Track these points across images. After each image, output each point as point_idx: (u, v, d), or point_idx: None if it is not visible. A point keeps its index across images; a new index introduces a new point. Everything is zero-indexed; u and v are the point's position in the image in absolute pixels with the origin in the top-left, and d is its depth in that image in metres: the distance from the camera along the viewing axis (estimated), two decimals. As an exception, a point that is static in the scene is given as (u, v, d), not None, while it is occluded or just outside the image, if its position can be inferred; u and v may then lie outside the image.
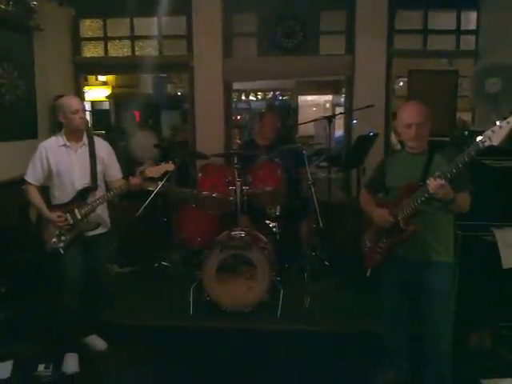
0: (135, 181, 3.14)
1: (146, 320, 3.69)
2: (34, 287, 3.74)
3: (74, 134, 3.14)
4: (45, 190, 3.23)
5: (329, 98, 9.98)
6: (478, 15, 5.21)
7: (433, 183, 2.38)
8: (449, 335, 2.66)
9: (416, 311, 2.74)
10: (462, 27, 5.28)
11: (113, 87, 9.07)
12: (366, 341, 3.27)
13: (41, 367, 3.02)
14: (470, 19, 5.30)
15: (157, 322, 3.66)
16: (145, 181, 3.17)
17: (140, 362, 3.26)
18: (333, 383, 3.01)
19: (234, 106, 6.33)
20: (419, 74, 5.28)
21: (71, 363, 3.12)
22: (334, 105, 9.72)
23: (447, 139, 4.13)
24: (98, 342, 3.37)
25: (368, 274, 2.83)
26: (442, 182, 2.35)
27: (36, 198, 3.14)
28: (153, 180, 3.23)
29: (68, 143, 3.14)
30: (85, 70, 5.70)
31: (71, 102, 3.11)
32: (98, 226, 3.18)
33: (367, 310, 3.52)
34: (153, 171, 3.15)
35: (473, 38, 5.26)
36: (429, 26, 5.29)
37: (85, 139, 3.18)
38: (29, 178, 3.14)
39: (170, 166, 3.19)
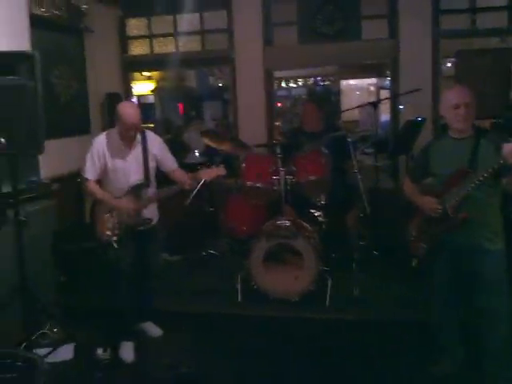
0: (189, 184, 3.22)
1: (195, 307, 3.81)
2: (92, 276, 3.93)
3: (127, 138, 3.20)
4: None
5: (373, 81, 9.75)
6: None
7: (508, 148, 2.23)
8: (507, 321, 2.58)
9: (471, 298, 2.69)
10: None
11: (157, 81, 9.31)
12: (417, 330, 3.25)
13: (99, 351, 3.17)
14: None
15: (205, 309, 3.78)
16: (197, 179, 3.23)
17: (189, 348, 3.36)
18: (383, 372, 3.00)
19: (274, 93, 6.33)
20: (467, 54, 5.10)
21: (127, 351, 3.24)
22: (379, 88, 9.49)
23: (498, 121, 3.99)
24: (153, 329, 3.51)
25: (413, 264, 2.80)
26: None
27: (98, 190, 3.21)
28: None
29: (122, 142, 3.21)
30: (132, 67, 5.89)
31: (129, 117, 3.08)
32: (150, 221, 3.27)
33: (418, 299, 3.49)
34: (205, 174, 3.22)
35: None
36: (477, 4, 5.07)
37: (138, 137, 3.22)
38: (87, 174, 3.20)
39: (221, 171, 3.26)
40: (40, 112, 2.98)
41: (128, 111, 3.11)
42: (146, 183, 3.23)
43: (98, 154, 3.18)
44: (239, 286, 3.86)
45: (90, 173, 3.20)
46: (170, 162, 3.38)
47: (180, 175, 3.34)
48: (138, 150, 3.22)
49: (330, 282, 3.76)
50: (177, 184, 3.28)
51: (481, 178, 2.39)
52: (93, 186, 3.23)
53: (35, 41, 3.97)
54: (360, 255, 4.18)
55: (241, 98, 5.44)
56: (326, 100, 9.04)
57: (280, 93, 9.82)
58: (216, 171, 3.26)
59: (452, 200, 2.54)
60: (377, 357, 3.13)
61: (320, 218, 4.27)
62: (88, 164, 3.21)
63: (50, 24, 4.35)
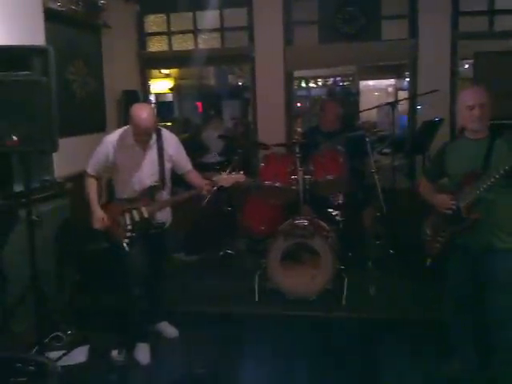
0: (207, 189, 3.15)
1: (212, 307, 3.79)
2: (106, 277, 3.87)
3: (141, 140, 3.10)
4: (110, 182, 3.31)
5: (391, 82, 9.75)
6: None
7: None
8: None
9: (483, 299, 2.67)
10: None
11: (176, 79, 9.32)
12: (432, 329, 3.23)
13: (114, 353, 3.13)
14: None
15: (222, 309, 3.76)
16: (214, 185, 3.17)
17: (206, 348, 3.33)
18: (398, 371, 2.98)
19: (293, 93, 6.31)
20: (486, 55, 5.05)
21: (142, 353, 3.20)
22: (397, 89, 9.48)
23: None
24: (169, 330, 3.48)
25: (428, 264, 2.80)
26: None
27: (91, 190, 3.14)
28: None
29: (136, 143, 3.08)
30: (150, 64, 5.88)
31: (141, 122, 2.94)
32: (163, 225, 3.22)
33: (433, 298, 3.44)
34: (224, 181, 3.14)
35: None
36: (496, 6, 5.02)
37: (153, 137, 3.10)
38: (88, 167, 3.15)
39: (241, 177, 3.18)
40: (54, 109, 2.88)
41: (141, 116, 2.94)
42: (160, 186, 3.15)
43: (107, 151, 3.10)
44: (256, 286, 3.83)
45: (91, 167, 3.16)
46: (183, 163, 3.29)
47: (196, 178, 3.28)
48: (153, 151, 3.13)
49: (346, 281, 3.73)
50: (194, 188, 3.22)
51: (492, 180, 2.41)
52: (90, 183, 3.16)
53: (50, 36, 3.89)
54: (376, 254, 4.19)
55: (260, 97, 5.42)
56: (345, 100, 9.00)
57: (299, 93, 9.81)
58: (234, 178, 3.18)
59: (465, 201, 2.55)
60: (393, 355, 3.12)
61: (337, 218, 4.24)
62: (93, 159, 3.16)
63: (66, 19, 4.27)
